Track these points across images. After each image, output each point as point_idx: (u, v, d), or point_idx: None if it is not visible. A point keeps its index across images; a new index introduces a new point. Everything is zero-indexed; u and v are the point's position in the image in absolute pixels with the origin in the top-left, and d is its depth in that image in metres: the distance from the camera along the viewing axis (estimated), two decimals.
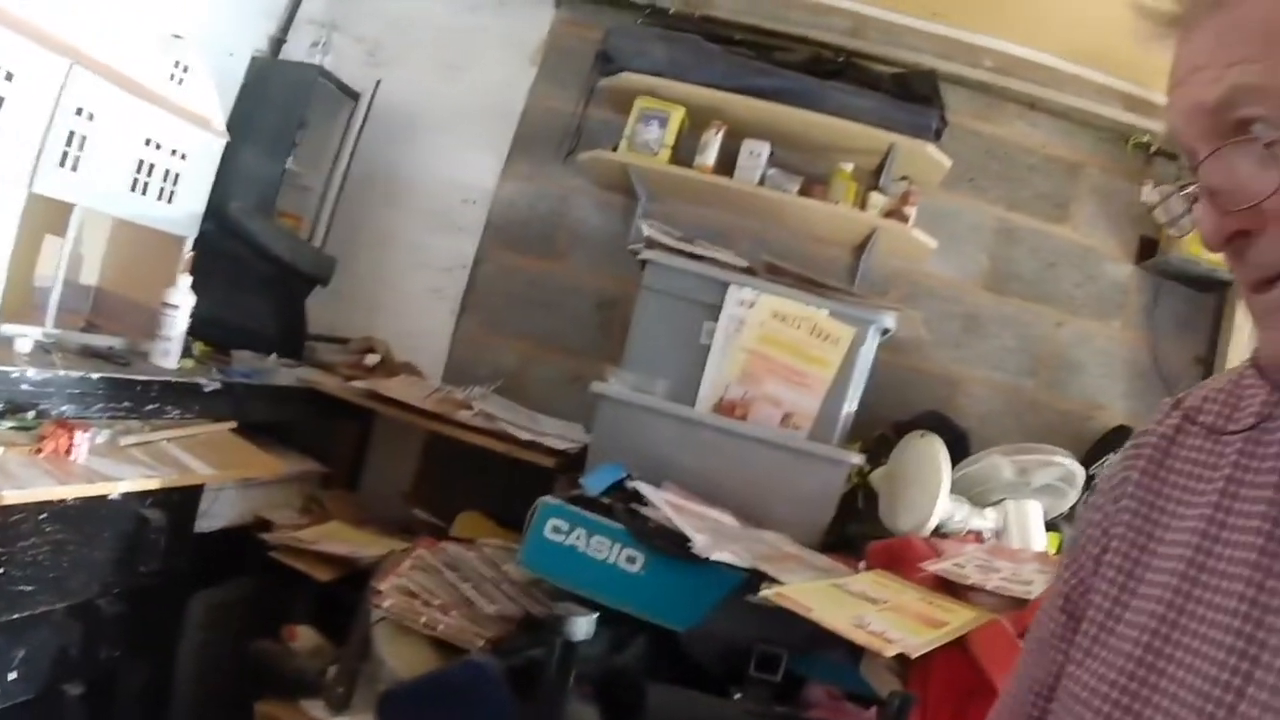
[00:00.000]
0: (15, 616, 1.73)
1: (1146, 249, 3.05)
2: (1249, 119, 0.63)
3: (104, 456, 1.91)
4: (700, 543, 1.82)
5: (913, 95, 2.90)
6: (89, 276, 2.54)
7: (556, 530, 1.94)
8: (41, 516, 1.72)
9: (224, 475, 2.21)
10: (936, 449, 2.30)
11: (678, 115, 2.89)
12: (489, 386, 2.96)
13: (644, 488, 2.07)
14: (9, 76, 1.85)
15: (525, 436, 2.55)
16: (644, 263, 2.48)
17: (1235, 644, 0.64)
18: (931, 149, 2.84)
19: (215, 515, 2.29)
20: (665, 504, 1.99)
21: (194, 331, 2.44)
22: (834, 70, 2.98)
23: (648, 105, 2.91)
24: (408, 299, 3.36)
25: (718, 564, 1.80)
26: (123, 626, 2.00)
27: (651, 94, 2.92)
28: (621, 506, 1.98)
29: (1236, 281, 0.69)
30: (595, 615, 1.66)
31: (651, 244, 2.48)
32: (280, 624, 2.30)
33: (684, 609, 1.81)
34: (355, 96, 3.23)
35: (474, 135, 3.37)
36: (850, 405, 2.40)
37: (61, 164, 2.04)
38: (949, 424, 2.76)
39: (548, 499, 2.00)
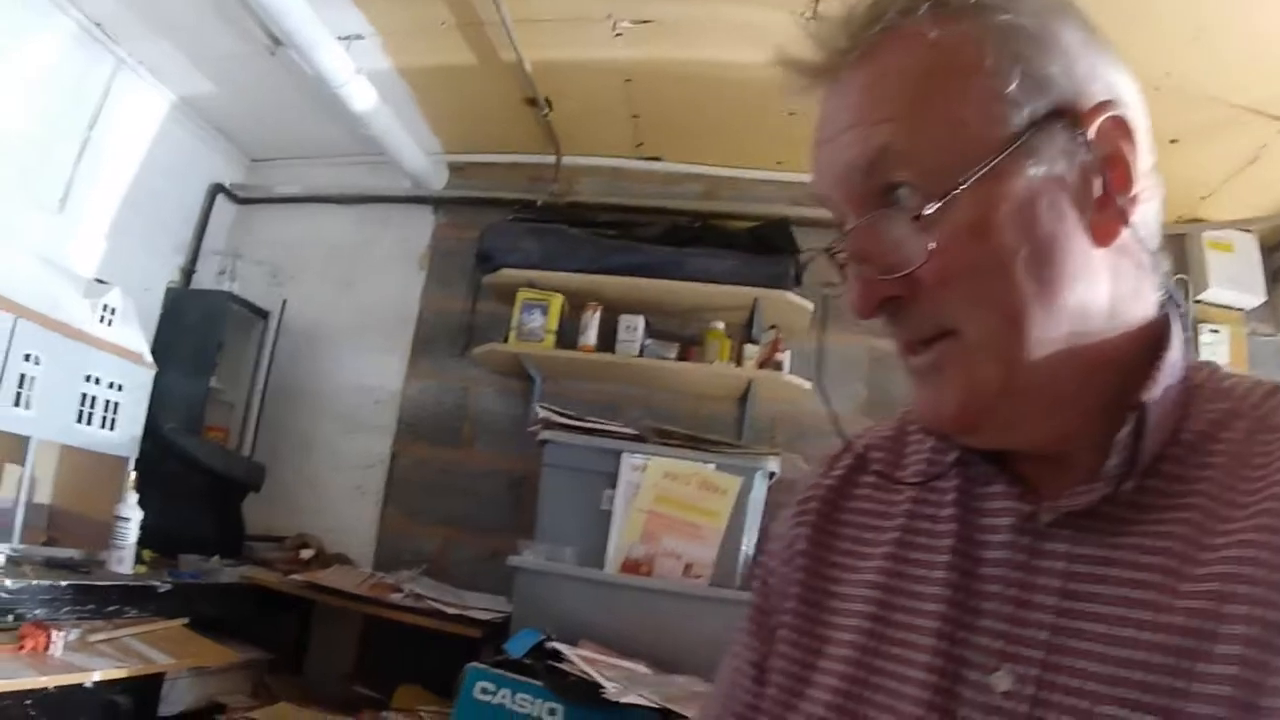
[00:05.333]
0: None
1: None
2: (895, 184, 0.62)
3: (76, 651, 2.14)
4: (612, 689, 1.95)
5: (769, 247, 3.06)
6: (42, 496, 2.77)
7: (484, 691, 2.10)
8: (27, 702, 1.96)
9: (180, 664, 2.41)
10: None
11: (556, 302, 3.12)
12: (416, 570, 3.17)
13: (561, 646, 2.19)
14: None
15: (452, 611, 2.69)
16: (544, 442, 2.69)
17: (933, 699, 0.63)
18: (792, 296, 2.98)
19: (175, 700, 2.50)
20: (579, 659, 2.15)
21: (141, 540, 2.67)
22: (692, 236, 3.19)
23: (528, 296, 3.14)
24: (333, 496, 3.57)
25: (631, 708, 1.94)
26: None
27: (530, 285, 3.16)
28: (541, 665, 2.13)
29: (892, 343, 0.67)
30: None
31: (548, 424, 2.69)
32: None
33: None
34: (264, 315, 3.55)
35: (377, 340, 3.65)
36: (748, 547, 2.50)
37: (15, 403, 2.36)
38: None
39: (475, 665, 2.15)
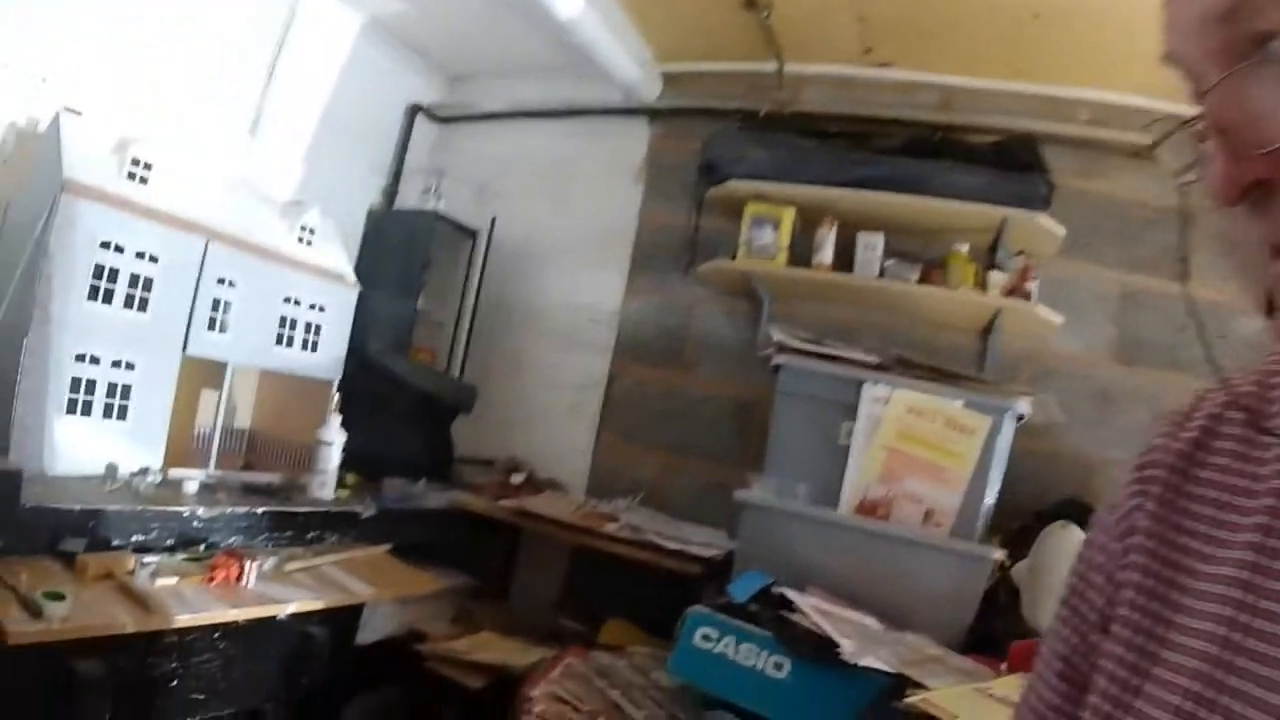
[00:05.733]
0: None
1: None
2: (1264, 33, 0.49)
3: (271, 581, 2.11)
4: (848, 648, 1.77)
5: (1016, 164, 2.78)
6: (242, 421, 2.81)
7: (705, 638, 1.95)
8: (215, 635, 1.93)
9: (381, 594, 2.36)
10: (1077, 540, 2.21)
11: (788, 216, 2.89)
12: (632, 499, 3.06)
13: (791, 593, 2.06)
14: (154, 259, 2.15)
15: (671, 546, 2.57)
16: (777, 368, 2.49)
17: None
18: (1044, 219, 2.71)
19: (373, 628, 2.45)
20: (812, 609, 1.97)
21: (345, 464, 2.65)
22: (932, 149, 2.90)
23: (757, 210, 2.92)
24: (547, 418, 3.50)
25: (863, 669, 1.76)
26: None
27: (759, 198, 2.94)
28: (769, 613, 1.97)
29: (1247, 248, 0.53)
30: None
31: (783, 349, 2.48)
32: None
33: (828, 715, 1.78)
34: (473, 234, 3.48)
35: (593, 257, 3.53)
36: (989, 497, 2.28)
37: (210, 328, 2.34)
38: (1090, 511, 2.57)
39: (697, 608, 2.01)
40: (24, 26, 2.27)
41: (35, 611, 1.57)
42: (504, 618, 2.93)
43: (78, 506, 1.86)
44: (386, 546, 2.61)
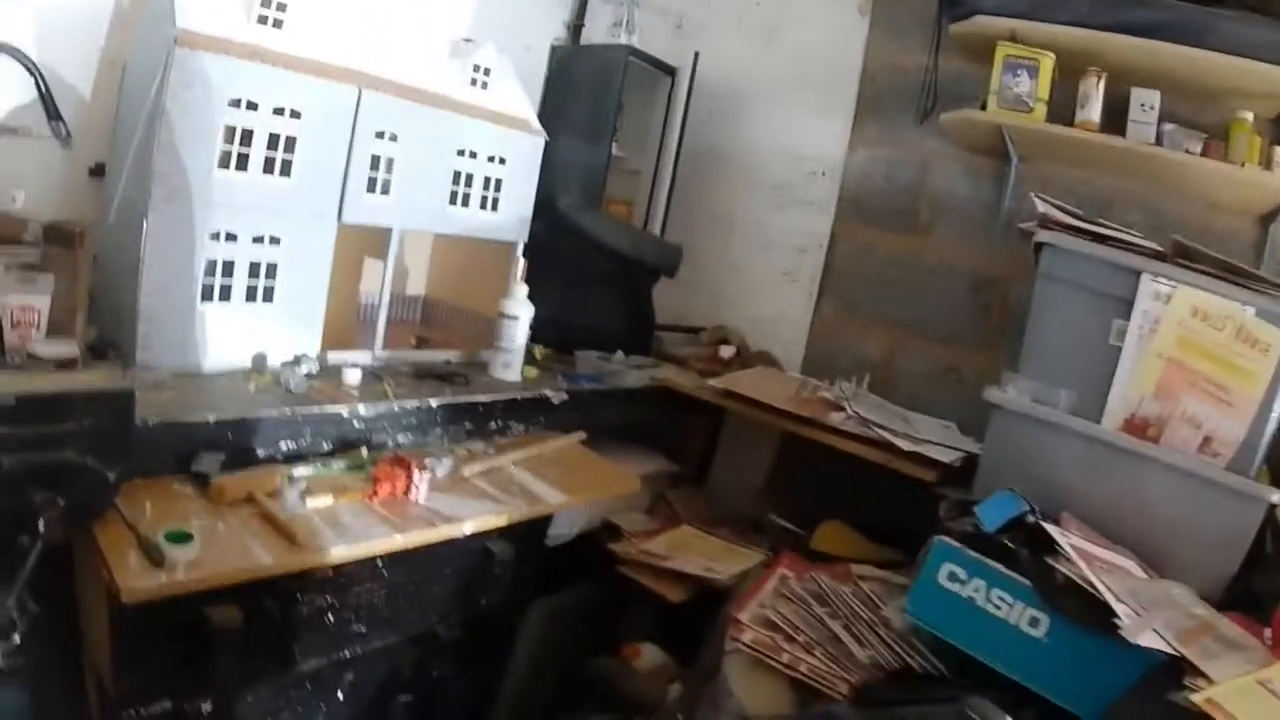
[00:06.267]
0: (345, 654, 1.68)
1: None
2: None
3: (446, 493, 1.81)
4: (1129, 623, 1.42)
5: None
6: (415, 288, 2.52)
7: (952, 578, 1.64)
8: (378, 563, 1.65)
9: (574, 499, 2.03)
10: None
11: (1048, 63, 2.40)
12: (857, 382, 2.64)
13: (1052, 529, 1.67)
14: (295, 114, 1.80)
15: (907, 446, 2.20)
16: (1040, 245, 2.02)
17: None
18: None
19: (562, 522, 2.13)
20: (1076, 553, 1.58)
21: (533, 334, 2.36)
22: None
23: (1011, 53, 2.42)
24: (758, 283, 3.12)
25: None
26: (458, 649, 1.93)
27: (1013, 39, 2.44)
28: (1027, 554, 1.62)
29: None
30: None
31: (1048, 223, 2.02)
32: (619, 636, 2.18)
33: (1089, 688, 1.48)
34: (671, 72, 3.04)
35: (810, 100, 3.04)
36: (1271, 428, 1.83)
37: (370, 189, 2.00)
38: None
39: (944, 540, 1.67)
40: None
41: (156, 559, 1.31)
42: (703, 506, 2.66)
43: (211, 418, 1.59)
44: (579, 436, 2.29)
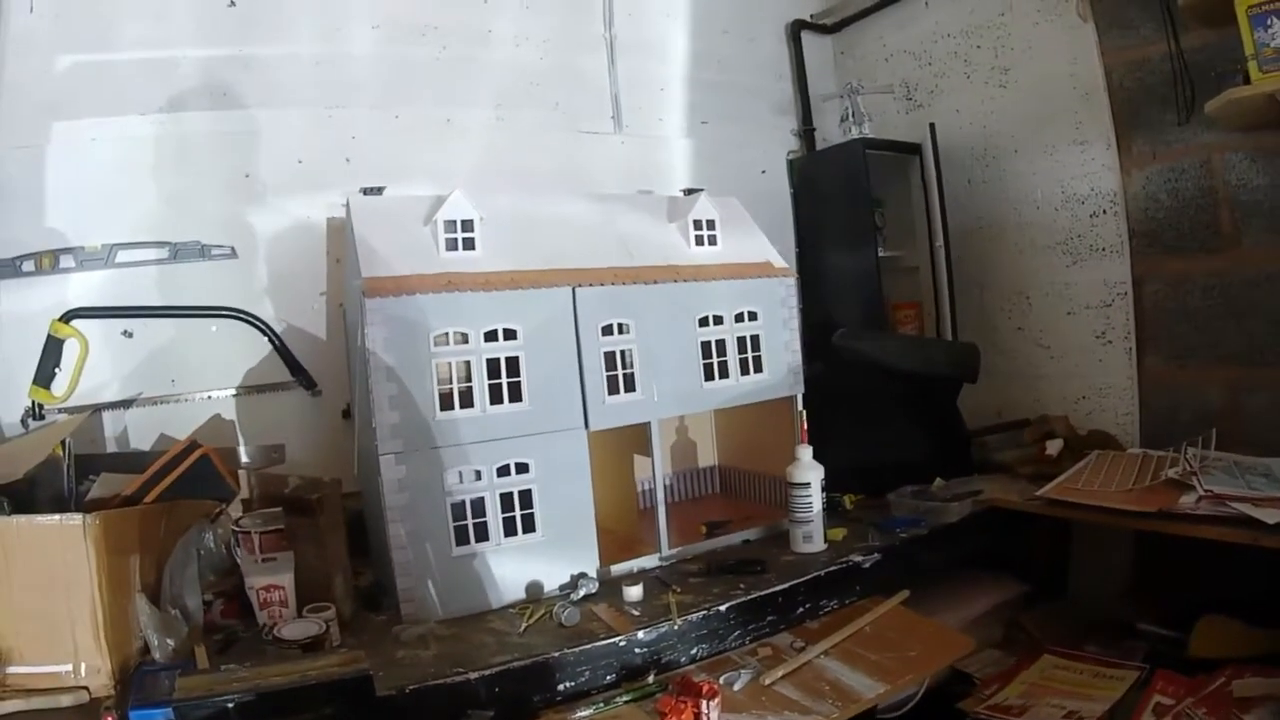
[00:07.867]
0: None
1: None
2: None
3: (744, 711, 1.60)
4: None
5: None
6: (706, 459, 2.43)
7: None
8: None
9: (895, 689, 1.74)
10: None
11: None
12: (1203, 443, 2.19)
13: None
14: (510, 334, 1.76)
15: (1272, 520, 1.79)
16: None
17: None
18: None
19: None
20: None
21: (838, 482, 2.16)
22: None
23: (1253, 1, 2.01)
24: (1071, 354, 2.76)
25: None
26: None
27: None
28: None
29: None
30: None
31: None
32: None
33: None
34: (915, 150, 2.84)
35: (1066, 131, 2.70)
36: None
37: (613, 390, 1.91)
38: None
39: None
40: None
41: None
42: (1063, 624, 2.33)
43: (473, 675, 1.48)
44: (901, 597, 2.02)
